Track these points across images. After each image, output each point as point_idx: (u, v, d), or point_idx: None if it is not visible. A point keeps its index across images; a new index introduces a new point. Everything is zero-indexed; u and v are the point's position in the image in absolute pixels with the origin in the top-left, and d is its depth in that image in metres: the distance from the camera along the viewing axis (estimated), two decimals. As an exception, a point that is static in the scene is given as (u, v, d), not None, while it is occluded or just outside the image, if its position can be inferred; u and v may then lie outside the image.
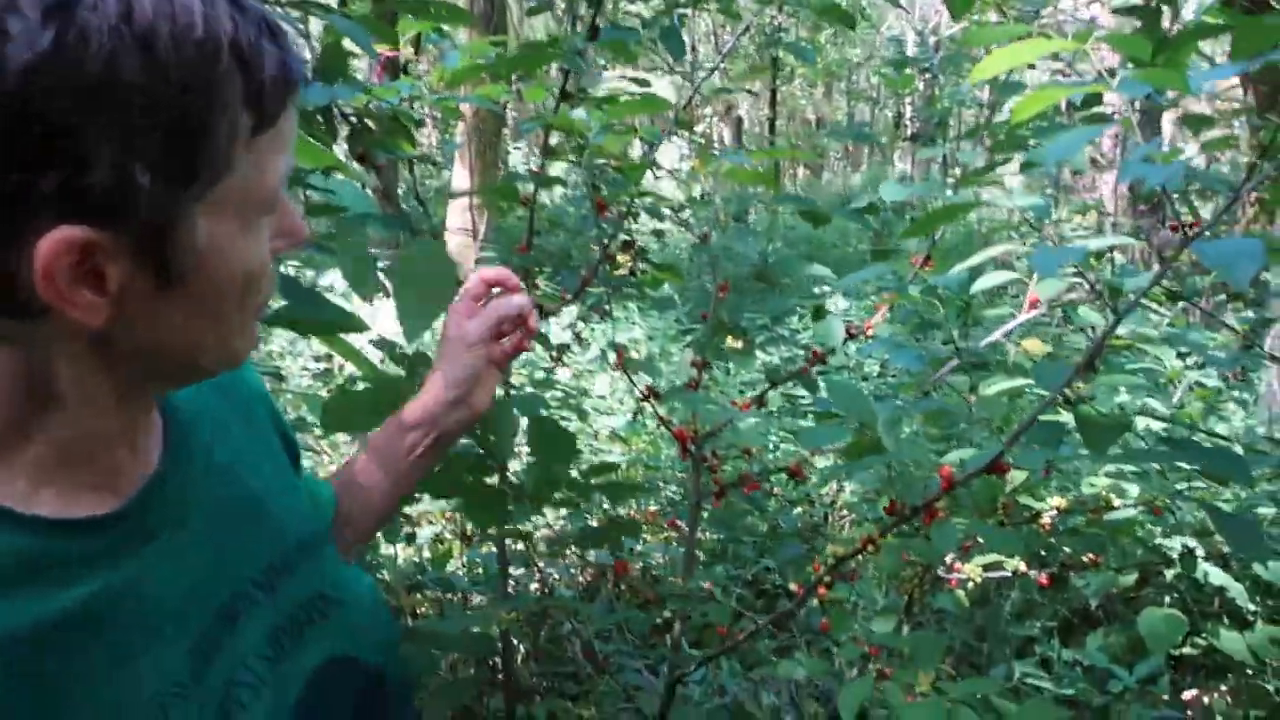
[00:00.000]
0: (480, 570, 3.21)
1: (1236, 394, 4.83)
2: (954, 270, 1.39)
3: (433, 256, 1.06)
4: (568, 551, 3.22)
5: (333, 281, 6.37)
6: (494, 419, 1.47)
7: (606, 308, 2.47)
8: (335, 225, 1.74)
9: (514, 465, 2.01)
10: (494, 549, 2.65)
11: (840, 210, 1.79)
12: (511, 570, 2.24)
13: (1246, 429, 4.10)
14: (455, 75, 1.74)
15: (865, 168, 23.25)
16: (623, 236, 2.07)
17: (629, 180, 1.84)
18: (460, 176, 8.20)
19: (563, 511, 3.74)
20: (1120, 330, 1.93)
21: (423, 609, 3.10)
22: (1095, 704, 2.86)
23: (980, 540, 1.55)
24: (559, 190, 2.17)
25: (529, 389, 2.62)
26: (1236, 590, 2.64)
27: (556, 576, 2.97)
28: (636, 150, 2.23)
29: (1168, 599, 3.09)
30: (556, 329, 3.47)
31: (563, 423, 5.18)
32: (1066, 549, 2.17)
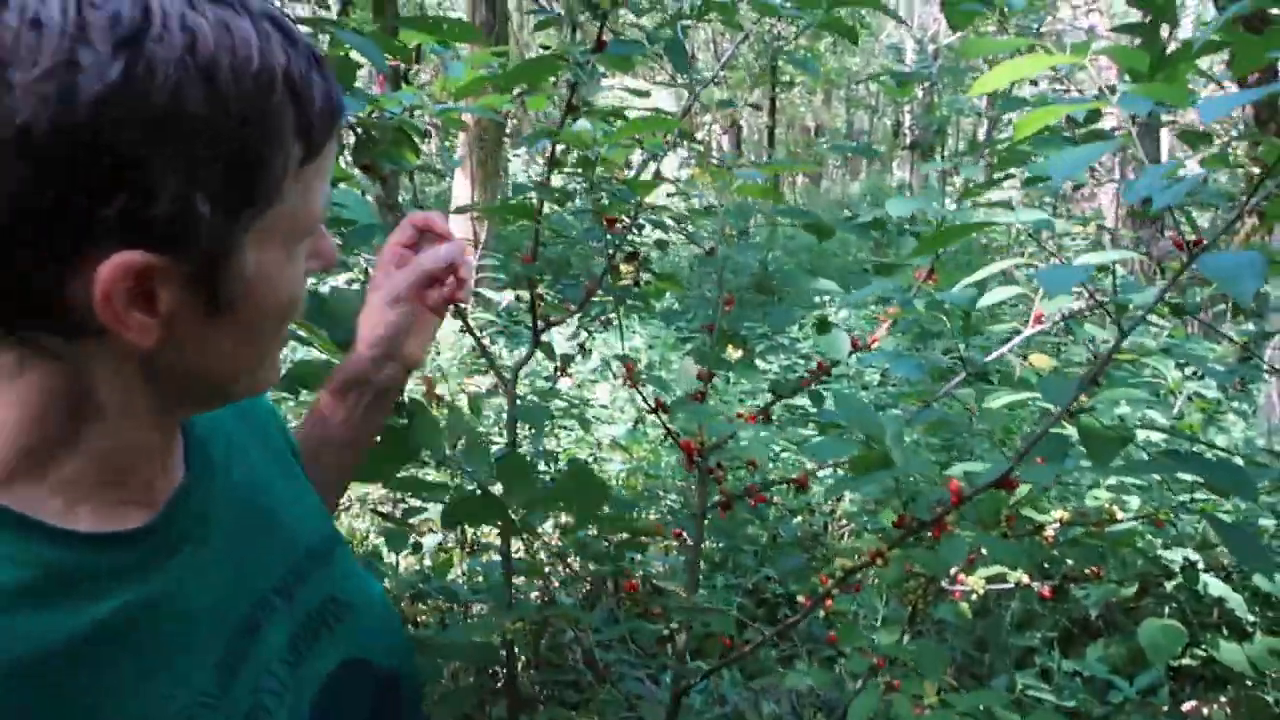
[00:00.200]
0: (481, 579, 3.22)
1: (1236, 405, 4.84)
2: (960, 285, 1.40)
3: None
4: (570, 559, 3.23)
5: (332, 289, 6.39)
6: (419, 426, 1.44)
7: (609, 317, 2.48)
8: (344, 237, 1.75)
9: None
10: (495, 557, 2.65)
11: (844, 225, 1.80)
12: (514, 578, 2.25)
13: (1246, 440, 4.11)
14: (462, 88, 1.75)
15: (864, 176, 23.29)
16: (626, 247, 2.08)
17: (634, 192, 1.85)
18: (461, 185, 8.23)
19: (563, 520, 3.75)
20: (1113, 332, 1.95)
21: (423, 618, 3.11)
22: (1096, 715, 2.87)
23: (984, 552, 1.56)
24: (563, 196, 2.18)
25: (533, 398, 2.63)
26: (1236, 601, 2.65)
27: (557, 584, 2.98)
28: (637, 156, 2.24)
29: (1167, 610, 3.10)
30: (560, 339, 3.48)
31: (565, 432, 5.17)
32: (1069, 560, 2.18)
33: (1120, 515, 1.74)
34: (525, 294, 2.09)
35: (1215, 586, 2.43)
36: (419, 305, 0.99)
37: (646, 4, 2.18)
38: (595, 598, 3.27)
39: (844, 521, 4.33)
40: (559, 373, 2.53)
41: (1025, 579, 1.77)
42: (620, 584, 3.38)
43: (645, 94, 2.18)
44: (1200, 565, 2.27)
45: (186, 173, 0.54)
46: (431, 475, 3.26)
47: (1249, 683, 2.79)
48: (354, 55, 1.71)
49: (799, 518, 4.34)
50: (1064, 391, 1.03)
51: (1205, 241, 0.86)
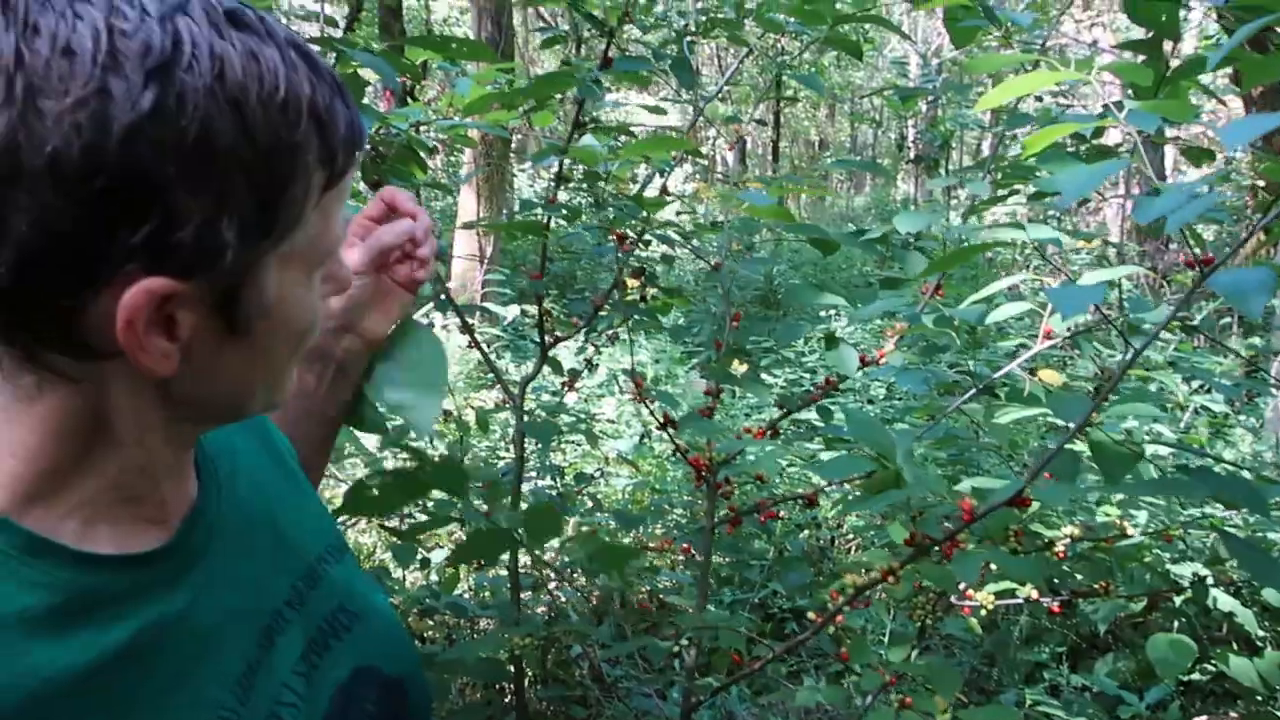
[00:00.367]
0: (489, 594, 3.22)
1: (1243, 418, 4.83)
2: (968, 302, 1.40)
3: (413, 339, 1.00)
4: (577, 574, 3.22)
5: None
6: (442, 472, 1.42)
7: (615, 332, 2.49)
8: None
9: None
10: (502, 572, 2.66)
11: (851, 240, 1.80)
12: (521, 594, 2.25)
13: (1254, 454, 4.10)
14: (470, 105, 1.76)
15: (868, 189, 23.30)
16: (632, 263, 2.09)
17: (641, 208, 1.86)
18: (468, 200, 8.25)
19: (569, 534, 3.74)
20: (1118, 345, 1.94)
21: (431, 633, 3.10)
22: (1105, 730, 2.86)
23: (994, 567, 1.55)
24: (569, 214, 2.19)
25: (540, 413, 2.63)
26: (1245, 616, 2.64)
27: (564, 599, 2.97)
28: (642, 170, 2.25)
29: (1176, 624, 3.09)
30: (567, 354, 3.48)
31: (571, 447, 5.16)
32: (1079, 576, 2.17)
33: (1130, 530, 1.74)
34: (531, 308, 2.10)
35: (1224, 601, 2.42)
36: (382, 279, 0.99)
37: (652, 21, 2.20)
38: (602, 613, 3.27)
39: (851, 535, 4.33)
40: (566, 388, 2.54)
41: (1034, 594, 1.76)
42: (627, 598, 3.37)
43: (662, 111, 2.19)
44: (1209, 580, 2.26)
45: (213, 200, 0.55)
46: (438, 490, 3.26)
47: (1259, 698, 2.78)
48: (362, 72, 1.72)
49: (805, 532, 4.33)
50: (1076, 408, 1.03)
51: (1215, 260, 0.86)
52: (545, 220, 2.02)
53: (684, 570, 3.64)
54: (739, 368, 1.89)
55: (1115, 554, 1.90)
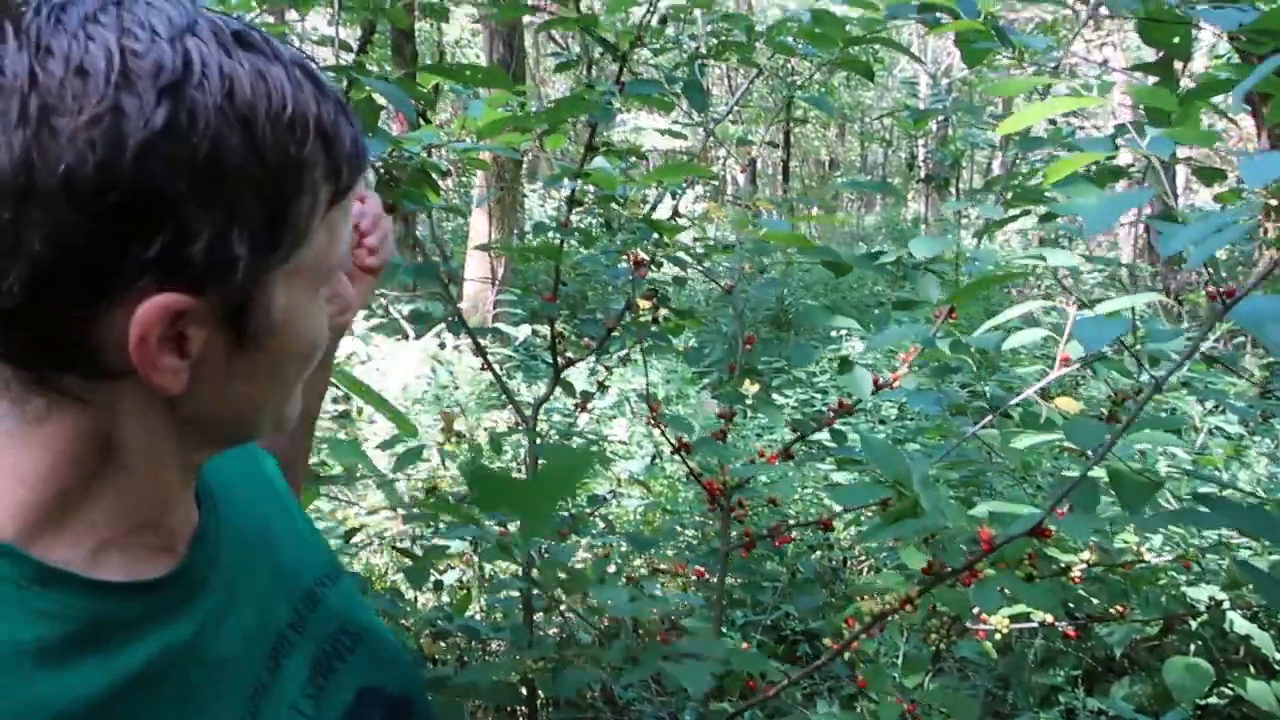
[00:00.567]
0: (500, 616, 3.21)
1: (1257, 439, 4.80)
2: (984, 327, 1.40)
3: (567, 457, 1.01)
4: (589, 596, 3.21)
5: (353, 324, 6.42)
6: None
7: (626, 354, 2.49)
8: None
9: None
10: (514, 594, 2.65)
11: (865, 263, 1.81)
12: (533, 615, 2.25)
13: (1270, 475, 4.07)
14: (485, 129, 1.77)
15: (878, 209, 23.31)
16: (645, 284, 2.10)
17: (660, 232, 1.87)
18: (479, 222, 8.28)
19: (583, 556, 3.74)
20: (1141, 376, 1.94)
21: (442, 656, 3.10)
22: (1122, 755, 2.83)
23: (1008, 592, 1.55)
24: (583, 237, 2.20)
25: (554, 435, 2.63)
26: (1262, 639, 2.62)
27: (574, 620, 2.97)
28: (652, 191, 2.26)
29: (1192, 648, 3.06)
30: (579, 375, 3.49)
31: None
32: (1095, 600, 2.16)
33: (1147, 555, 1.73)
34: (541, 328, 2.11)
35: (1241, 625, 2.40)
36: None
37: (664, 44, 2.21)
38: (614, 635, 3.25)
39: (863, 557, 4.31)
40: (579, 409, 2.54)
41: (1049, 618, 1.75)
42: (639, 620, 3.36)
43: (679, 136, 2.21)
44: (1226, 604, 2.25)
45: (224, 215, 0.55)
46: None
47: (1277, 722, 2.75)
48: (376, 97, 1.73)
49: (818, 553, 4.31)
50: (1092, 435, 1.03)
51: (1238, 292, 0.86)
52: (559, 243, 2.03)
53: (695, 592, 3.62)
54: (750, 388, 1.89)
55: (1130, 577, 1.89)
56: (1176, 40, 1.28)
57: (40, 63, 0.52)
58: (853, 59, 2.10)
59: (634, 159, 2.29)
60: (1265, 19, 1.10)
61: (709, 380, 6.68)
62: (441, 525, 2.61)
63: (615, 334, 2.12)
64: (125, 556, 0.64)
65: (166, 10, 0.56)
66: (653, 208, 2.21)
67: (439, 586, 3.05)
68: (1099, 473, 1.08)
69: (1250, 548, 2.81)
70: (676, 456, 1.87)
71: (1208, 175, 1.96)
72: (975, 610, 1.70)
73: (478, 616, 3.32)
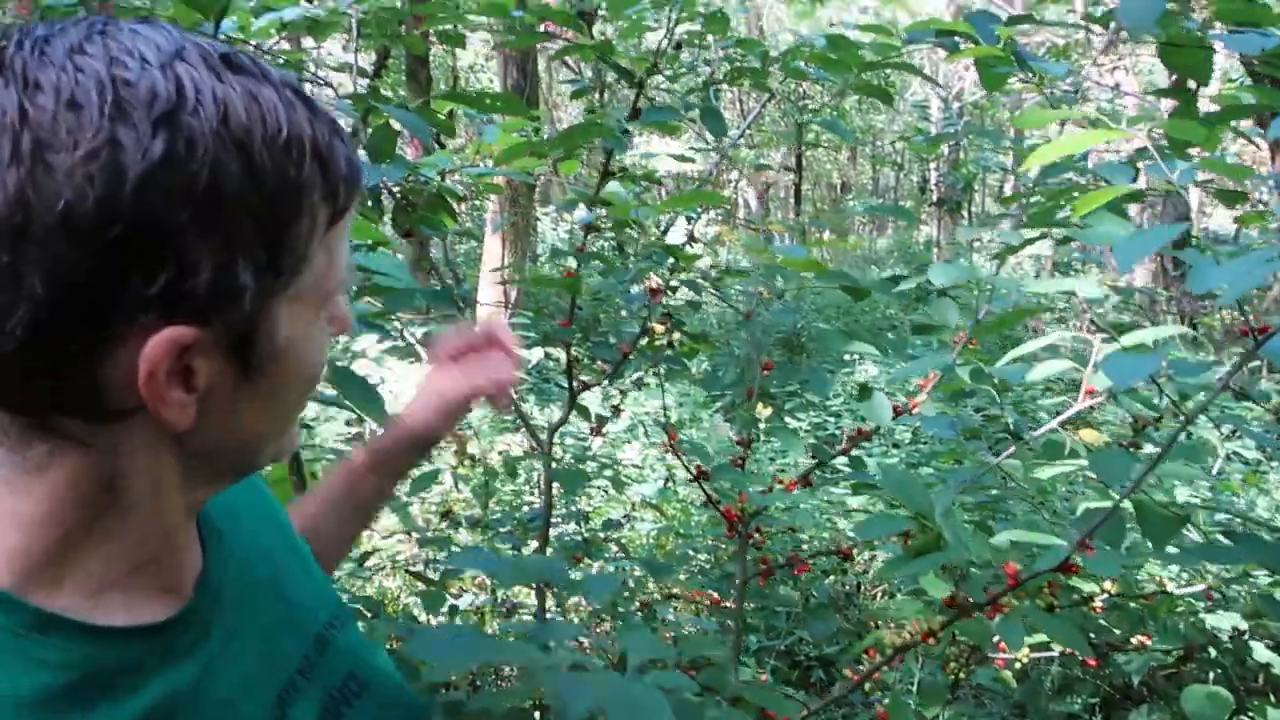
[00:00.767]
0: (513, 641, 3.19)
1: (1275, 464, 4.76)
2: (1006, 359, 1.39)
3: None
4: (604, 621, 3.20)
5: (364, 347, 6.44)
6: None
7: (640, 377, 2.49)
8: (384, 301, 1.78)
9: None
10: (527, 618, 2.64)
11: (884, 287, 1.80)
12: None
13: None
14: (503, 156, 1.78)
15: (890, 231, 23.30)
16: (659, 309, 2.10)
17: (677, 259, 1.87)
18: (492, 245, 8.31)
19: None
20: (1158, 403, 1.93)
21: (455, 681, 3.08)
22: (1141, 785, 2.79)
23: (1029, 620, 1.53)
24: (597, 262, 2.21)
25: (569, 459, 2.63)
26: (1284, 668, 2.58)
27: (588, 645, 2.95)
28: (664, 214, 2.27)
29: (1212, 676, 3.02)
30: (593, 400, 3.49)
31: (596, 490, 5.14)
32: (1116, 630, 2.14)
33: (1169, 585, 1.71)
34: (554, 351, 2.11)
35: (1262, 653, 2.37)
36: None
37: (678, 70, 2.22)
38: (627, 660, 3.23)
39: (877, 581, 4.28)
40: (594, 434, 2.54)
41: (1069, 648, 1.73)
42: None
43: (690, 160, 2.21)
44: (1246, 634, 2.22)
45: (226, 243, 0.54)
46: (465, 536, 3.26)
47: (1299, 752, 2.71)
48: (394, 123, 1.74)
49: (831, 577, 4.29)
50: (1118, 467, 1.02)
51: (1271, 329, 0.85)
52: (575, 268, 2.03)
53: (709, 617, 3.60)
54: (763, 411, 1.88)
55: (1150, 606, 1.87)
56: (1197, 65, 1.28)
57: (29, 98, 0.50)
58: (868, 84, 2.10)
59: (647, 184, 2.30)
60: (1287, 45, 1.10)
61: (722, 403, 6.67)
62: (456, 549, 2.60)
63: (630, 358, 2.12)
64: (127, 598, 0.62)
65: (153, 37, 0.55)
66: (664, 232, 2.21)
67: (453, 611, 3.03)
68: (1125, 505, 1.07)
69: (1273, 577, 2.78)
70: (689, 479, 1.86)
71: (1229, 198, 1.95)
72: (995, 639, 1.69)
73: (586, 644, 3.30)
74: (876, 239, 23.16)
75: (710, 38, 2.24)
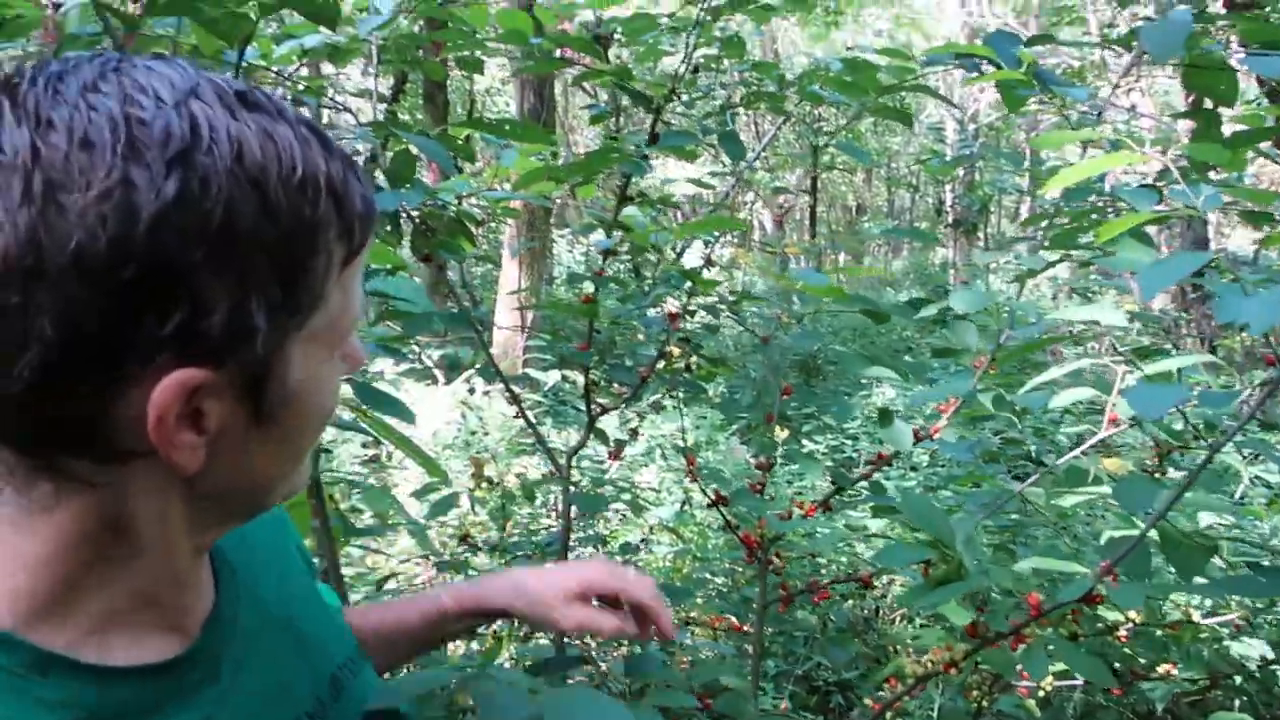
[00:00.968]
0: (529, 665, 3.17)
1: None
2: (1031, 385, 1.38)
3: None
4: (621, 645, 3.18)
5: (382, 369, 6.47)
6: None
7: (659, 401, 2.49)
8: (402, 324, 1.78)
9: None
10: (543, 641, 2.62)
11: (904, 311, 1.79)
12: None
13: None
14: (521, 181, 1.78)
15: (906, 253, 23.28)
16: (677, 334, 2.09)
17: (696, 284, 1.87)
18: (509, 268, 8.34)
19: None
20: (1177, 425, 1.91)
21: (469, 705, 3.06)
22: (1167, 814, 2.75)
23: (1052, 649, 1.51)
24: (615, 286, 2.21)
25: (586, 482, 2.62)
26: (1312, 696, 2.55)
27: (607, 671, 2.93)
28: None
29: (1237, 703, 2.98)
30: (611, 423, 3.48)
31: (615, 514, 5.13)
32: (1139, 658, 2.11)
33: (1195, 614, 1.69)
34: (571, 373, 2.11)
35: (1289, 680, 2.34)
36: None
37: (695, 95, 2.22)
38: (645, 686, 3.21)
39: (896, 605, 4.25)
40: (611, 457, 2.53)
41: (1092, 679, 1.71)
42: (670, 669, 3.32)
43: (709, 186, 2.21)
44: (1274, 662, 2.19)
45: (240, 284, 0.53)
46: (483, 560, 3.25)
47: (1328, 781, 2.66)
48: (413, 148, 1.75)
49: (850, 601, 4.26)
50: (1143, 496, 1.00)
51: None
52: (593, 292, 2.03)
53: (727, 641, 3.58)
54: (780, 434, 1.87)
55: (1175, 634, 1.84)
56: (1223, 87, 1.27)
57: (42, 137, 0.50)
58: (886, 106, 2.10)
59: (664, 208, 2.30)
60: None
61: (738, 426, 6.65)
62: (473, 572, 2.60)
63: (647, 381, 2.11)
64: (132, 639, 0.61)
65: (168, 74, 0.54)
66: (679, 254, 2.21)
67: (471, 633, 3.02)
68: (1149, 534, 1.06)
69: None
70: (706, 502, 1.85)
71: (1254, 219, 1.94)
72: (1019, 667, 1.67)
73: (508, 665, 3.29)
74: (892, 261, 23.14)
75: (726, 62, 2.25)
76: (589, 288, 2.06)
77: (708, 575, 4.32)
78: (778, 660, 3.78)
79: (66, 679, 0.57)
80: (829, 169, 18.41)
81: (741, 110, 2.32)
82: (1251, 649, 2.33)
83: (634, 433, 2.46)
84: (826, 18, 14.76)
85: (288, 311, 0.57)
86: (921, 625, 3.67)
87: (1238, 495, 3.63)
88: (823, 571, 4.23)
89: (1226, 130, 1.63)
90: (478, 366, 2.02)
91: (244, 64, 1.43)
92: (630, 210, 2.10)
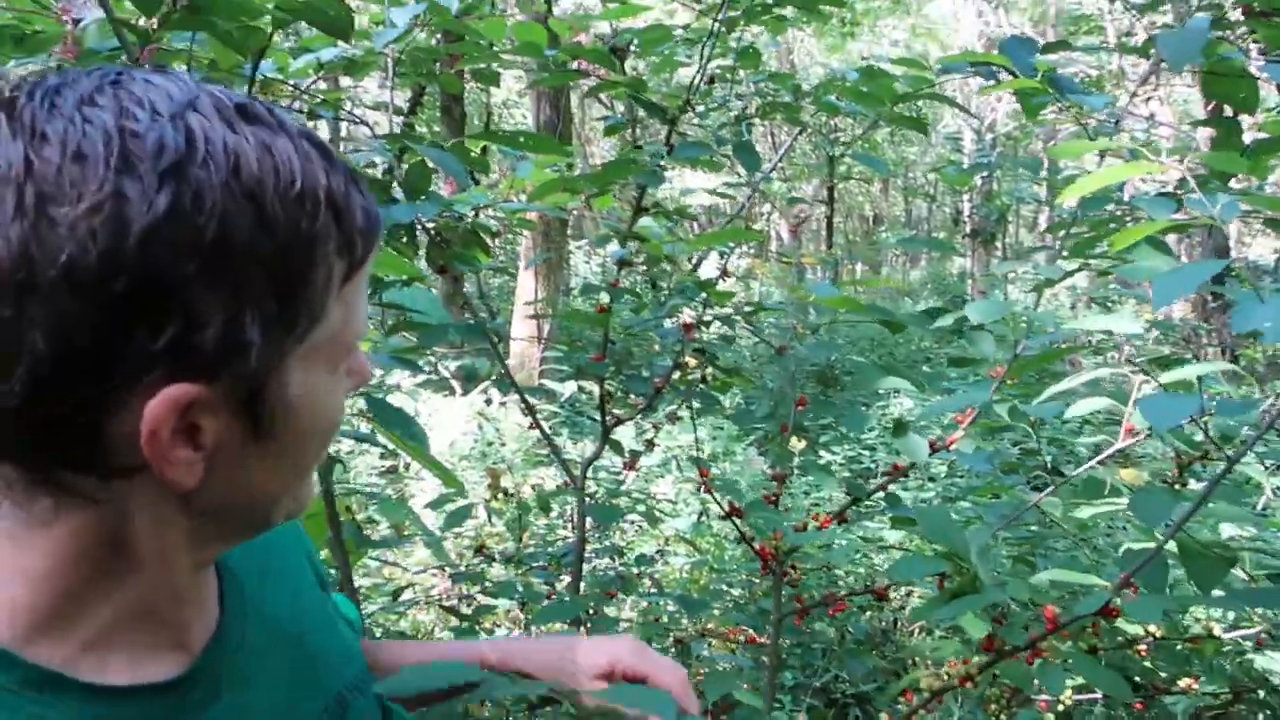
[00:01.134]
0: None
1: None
2: (1046, 394, 1.37)
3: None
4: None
5: (399, 381, 6.49)
6: None
7: (674, 412, 2.48)
8: (418, 336, 1.78)
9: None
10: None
11: (920, 321, 1.79)
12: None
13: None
14: (536, 193, 1.79)
15: (923, 263, 23.22)
16: (692, 344, 2.09)
17: (711, 295, 1.87)
18: (526, 279, 8.36)
19: (630, 615, 3.70)
20: (1199, 437, 1.89)
21: (488, 715, 3.06)
22: (1189, 829, 2.72)
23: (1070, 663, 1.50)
24: (630, 297, 2.21)
25: (602, 493, 2.62)
26: (1337, 710, 2.51)
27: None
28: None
29: (1260, 716, 2.95)
30: (627, 434, 3.48)
31: (631, 526, 5.12)
32: (1160, 671, 2.09)
33: (1216, 627, 1.67)
34: (587, 384, 2.11)
35: (1314, 694, 2.31)
36: None
37: (711, 106, 2.23)
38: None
39: (913, 619, 4.22)
40: (627, 468, 2.53)
41: (1111, 693, 1.69)
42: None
43: (726, 196, 2.21)
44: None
45: (234, 299, 0.53)
46: (499, 571, 3.25)
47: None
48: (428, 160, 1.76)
49: (868, 614, 4.24)
50: (1160, 508, 0.99)
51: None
52: (608, 303, 2.03)
53: (744, 654, 3.56)
54: (797, 445, 1.87)
55: (1196, 648, 1.82)
56: (1242, 95, 1.26)
57: (35, 150, 0.49)
58: (903, 115, 2.10)
59: (680, 219, 2.30)
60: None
61: (755, 437, 6.64)
62: (489, 584, 2.60)
63: (663, 392, 2.11)
64: (132, 656, 0.61)
65: (167, 87, 0.53)
66: (697, 264, 2.21)
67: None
68: (1168, 546, 1.04)
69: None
70: (724, 517, 1.85)
71: (1277, 228, 1.93)
72: (1036, 681, 1.65)
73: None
74: (909, 271, 23.08)
75: (742, 73, 2.25)
76: (605, 299, 2.06)
77: (724, 587, 4.30)
78: (795, 672, 3.76)
79: (63, 697, 0.56)
80: (846, 179, 18.39)
81: (758, 121, 2.32)
82: (1275, 662, 2.31)
83: (650, 444, 2.46)
84: (843, 29, 14.75)
85: (285, 326, 0.56)
86: (940, 637, 3.65)
87: (1259, 507, 3.59)
88: (840, 584, 4.22)
89: (1248, 139, 1.62)
90: (494, 378, 2.02)
91: (260, 77, 1.44)
92: (646, 221, 2.10)
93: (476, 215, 1.96)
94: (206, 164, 0.51)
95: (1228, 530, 2.57)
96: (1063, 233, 1.91)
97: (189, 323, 0.51)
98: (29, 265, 0.49)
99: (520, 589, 2.49)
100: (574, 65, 2.03)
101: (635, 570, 3.15)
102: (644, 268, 2.21)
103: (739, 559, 4.66)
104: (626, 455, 2.38)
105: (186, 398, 0.53)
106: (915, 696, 1.39)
